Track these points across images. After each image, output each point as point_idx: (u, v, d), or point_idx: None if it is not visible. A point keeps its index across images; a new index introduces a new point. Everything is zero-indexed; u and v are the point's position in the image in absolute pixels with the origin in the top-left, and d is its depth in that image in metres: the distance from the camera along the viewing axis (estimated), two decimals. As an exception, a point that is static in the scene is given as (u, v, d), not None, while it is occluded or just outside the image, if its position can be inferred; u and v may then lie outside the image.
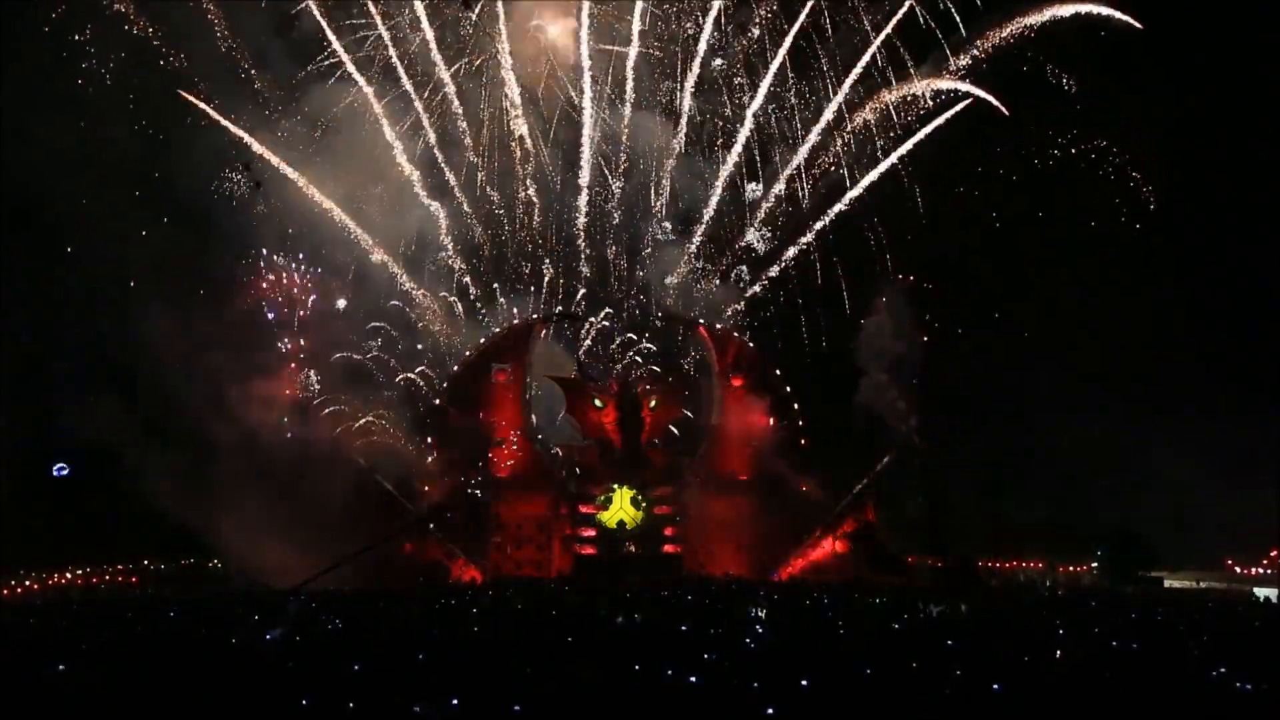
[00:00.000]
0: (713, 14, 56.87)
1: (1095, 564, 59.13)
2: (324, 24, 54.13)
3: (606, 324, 61.13)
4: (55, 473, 53.35)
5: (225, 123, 51.55)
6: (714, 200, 59.52)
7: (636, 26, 56.41)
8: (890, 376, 54.39)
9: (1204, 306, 55.83)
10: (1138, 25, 51.45)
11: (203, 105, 50.97)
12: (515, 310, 60.13)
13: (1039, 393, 57.38)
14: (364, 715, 16.15)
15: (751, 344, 59.31)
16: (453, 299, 59.99)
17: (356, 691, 16.99)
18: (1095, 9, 52.48)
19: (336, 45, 54.19)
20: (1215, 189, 54.87)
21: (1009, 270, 55.14)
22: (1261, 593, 48.00)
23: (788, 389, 58.26)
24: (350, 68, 54.87)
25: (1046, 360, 55.99)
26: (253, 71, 52.82)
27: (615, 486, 56.27)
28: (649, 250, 60.57)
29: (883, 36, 55.58)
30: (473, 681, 17.76)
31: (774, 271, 59.19)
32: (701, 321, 59.43)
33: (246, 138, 52.13)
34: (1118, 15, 51.81)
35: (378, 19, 55.01)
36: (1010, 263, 54.97)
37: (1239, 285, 56.99)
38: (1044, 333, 55.35)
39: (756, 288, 59.55)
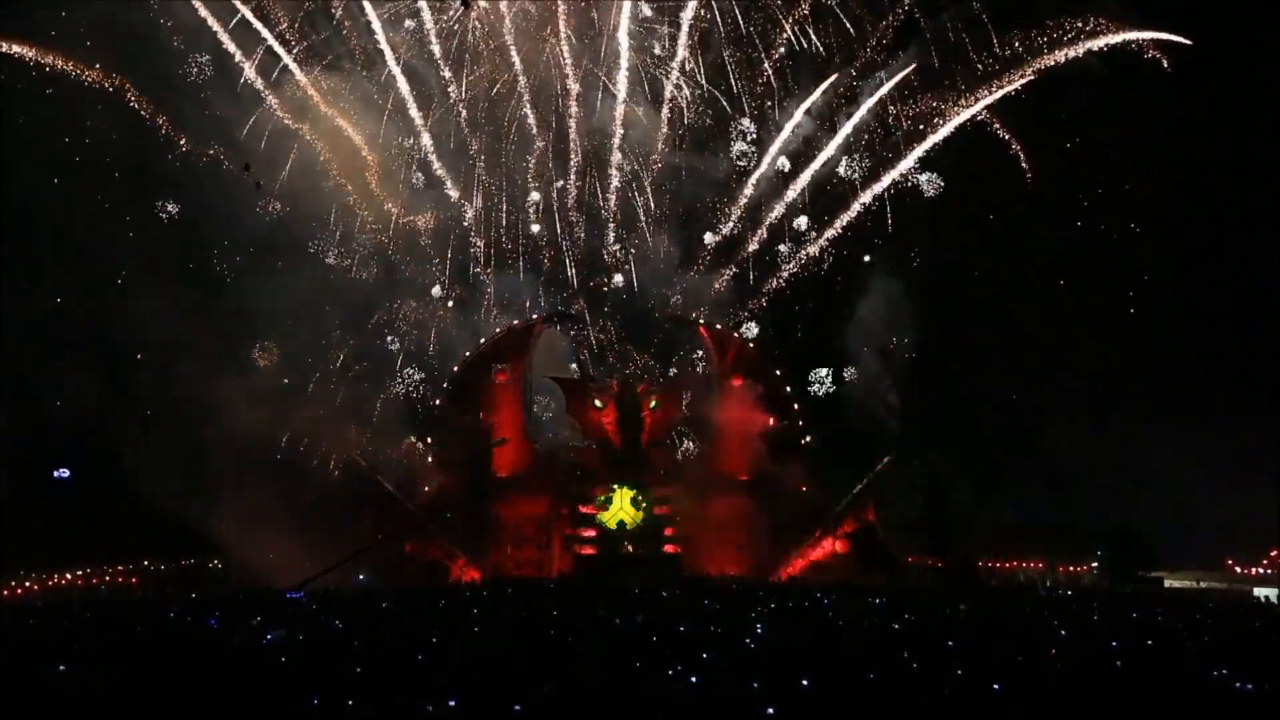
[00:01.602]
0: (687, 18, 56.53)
1: (1095, 564, 59.14)
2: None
3: (604, 336, 60.90)
4: (56, 475, 53.36)
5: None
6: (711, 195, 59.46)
7: (626, 25, 56.23)
8: (882, 365, 54.76)
9: (1204, 306, 55.85)
10: (1182, 44, 51.27)
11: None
12: (510, 312, 60.01)
13: (1039, 392, 57.47)
14: (364, 715, 16.15)
15: (751, 344, 59.31)
16: (448, 300, 59.80)
17: (356, 692, 16.99)
18: (1140, 35, 52.31)
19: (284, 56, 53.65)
20: (1215, 189, 54.90)
21: (1009, 270, 55.21)
22: (1261, 593, 48.04)
23: (788, 389, 58.30)
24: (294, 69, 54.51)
25: (1047, 360, 56.05)
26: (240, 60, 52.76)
27: (615, 487, 56.33)
28: (653, 253, 60.37)
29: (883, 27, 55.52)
30: (473, 681, 17.77)
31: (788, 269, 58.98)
32: (702, 322, 59.43)
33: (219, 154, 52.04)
34: (1165, 37, 51.68)
35: (374, 20, 54.94)
36: (1011, 263, 55.03)
37: (1239, 285, 57.01)
38: (1044, 332, 55.36)
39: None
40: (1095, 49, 53.01)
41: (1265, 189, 54.00)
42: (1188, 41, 51.49)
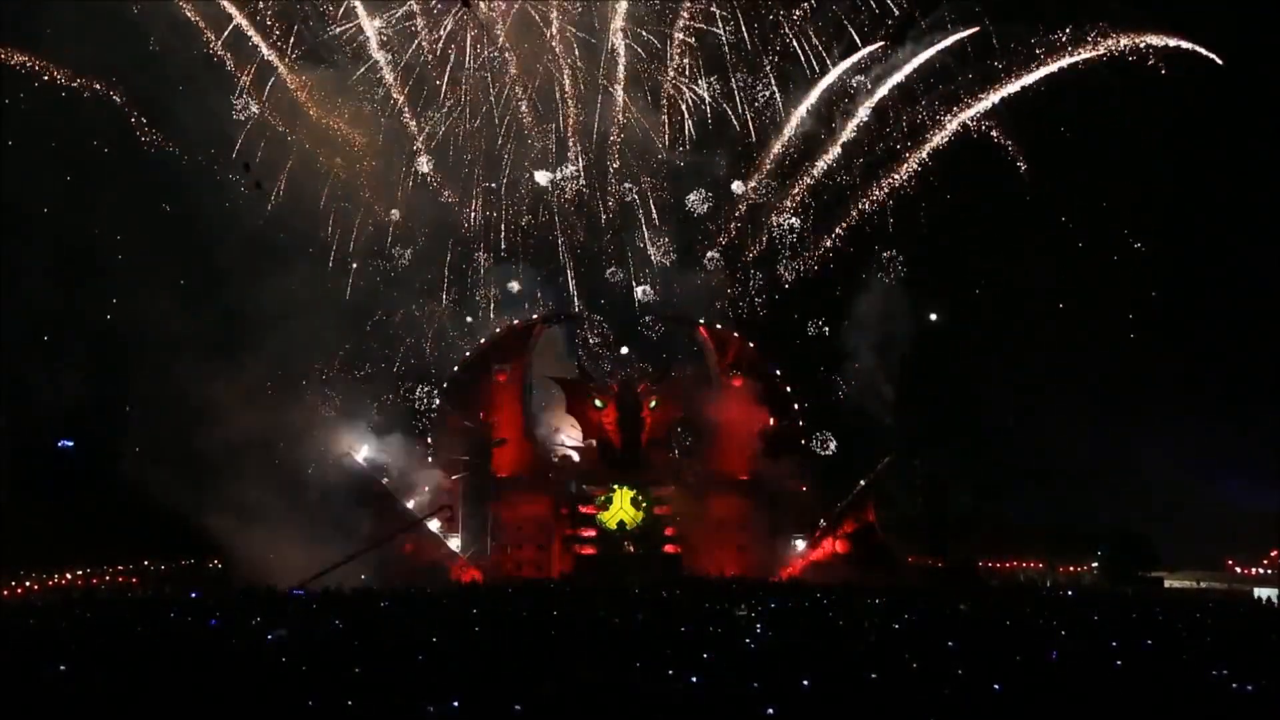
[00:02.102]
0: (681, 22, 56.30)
1: (1095, 564, 59.16)
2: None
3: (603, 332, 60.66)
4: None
5: None
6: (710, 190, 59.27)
7: (622, 25, 56.08)
8: (878, 361, 54.82)
9: (1204, 307, 55.89)
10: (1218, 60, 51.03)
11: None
12: (509, 311, 59.87)
13: (1039, 393, 57.51)
14: (365, 716, 16.15)
15: (751, 343, 59.26)
16: (448, 300, 59.70)
17: (357, 692, 16.99)
18: (1158, 39, 52.06)
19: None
20: (1215, 190, 54.90)
21: (1009, 270, 55.23)
22: (1261, 593, 48.04)
23: (788, 389, 58.28)
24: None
25: (1047, 361, 56.11)
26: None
27: (615, 487, 56.35)
28: (652, 253, 60.21)
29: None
30: (473, 681, 17.77)
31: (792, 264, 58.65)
32: (701, 321, 59.37)
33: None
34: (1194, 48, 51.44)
35: (367, 25, 54.81)
36: (1010, 263, 55.05)
37: (1239, 285, 57.04)
38: (1045, 333, 55.42)
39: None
40: (1096, 53, 52.90)
41: (1265, 189, 54.03)
42: (1219, 60, 51.19)
